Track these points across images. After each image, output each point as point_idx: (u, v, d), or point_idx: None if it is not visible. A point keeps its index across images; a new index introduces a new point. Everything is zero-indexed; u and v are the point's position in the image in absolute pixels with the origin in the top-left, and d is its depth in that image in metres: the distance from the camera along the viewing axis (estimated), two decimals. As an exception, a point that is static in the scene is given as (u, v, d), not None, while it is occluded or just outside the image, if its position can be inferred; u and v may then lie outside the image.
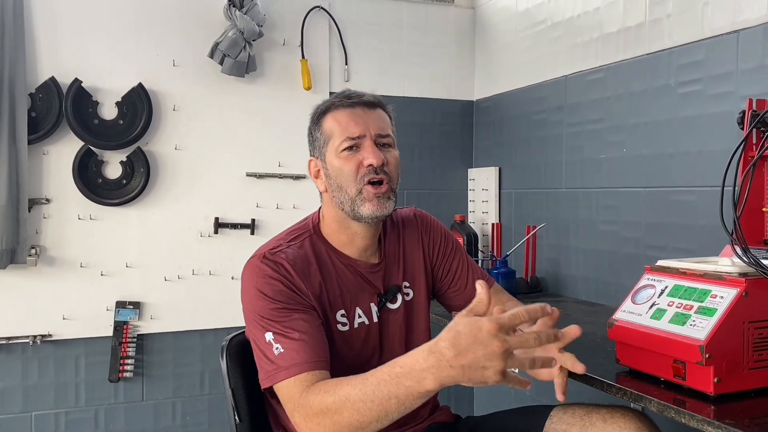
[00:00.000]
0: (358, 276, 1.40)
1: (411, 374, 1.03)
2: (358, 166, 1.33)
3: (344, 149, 1.34)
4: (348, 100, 1.37)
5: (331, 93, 2.66)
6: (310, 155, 1.44)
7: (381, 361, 1.40)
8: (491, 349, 0.98)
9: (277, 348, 1.22)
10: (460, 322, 1.02)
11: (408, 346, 1.45)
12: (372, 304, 1.41)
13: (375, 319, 1.41)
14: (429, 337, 1.50)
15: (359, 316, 1.39)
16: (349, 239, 1.40)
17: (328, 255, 1.39)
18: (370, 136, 1.35)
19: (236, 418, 1.41)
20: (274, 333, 1.23)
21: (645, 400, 1.15)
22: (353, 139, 1.34)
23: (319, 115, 1.40)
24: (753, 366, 1.13)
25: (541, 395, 2.55)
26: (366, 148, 1.34)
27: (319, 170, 1.41)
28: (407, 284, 1.48)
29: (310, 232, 1.41)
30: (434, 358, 1.01)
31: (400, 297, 1.45)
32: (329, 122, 1.37)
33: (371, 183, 1.33)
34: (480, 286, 1.07)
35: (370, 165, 1.33)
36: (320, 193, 1.43)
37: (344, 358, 1.35)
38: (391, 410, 1.07)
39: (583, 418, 1.33)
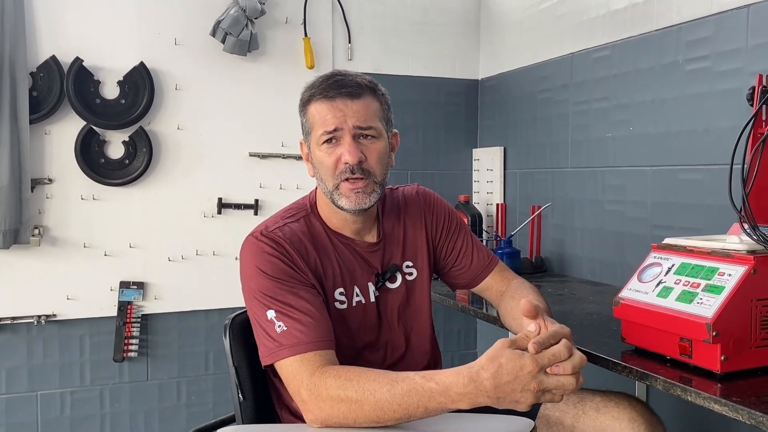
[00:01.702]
0: (355, 255, 1.39)
1: (446, 393, 1.06)
2: (336, 161, 1.31)
3: (324, 142, 1.31)
4: (328, 91, 1.30)
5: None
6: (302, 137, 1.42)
7: (379, 340, 1.40)
8: (528, 388, 1.02)
9: (279, 326, 1.21)
10: (503, 354, 1.04)
11: (408, 326, 1.45)
12: (369, 284, 1.40)
13: (372, 299, 1.40)
14: (431, 317, 1.50)
15: (357, 295, 1.38)
16: (341, 222, 1.39)
17: (325, 233, 1.38)
18: (348, 129, 1.30)
19: (240, 396, 1.41)
20: (276, 311, 1.23)
21: (650, 379, 1.15)
22: (330, 132, 1.30)
23: (304, 102, 1.36)
24: (760, 344, 1.12)
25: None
26: (344, 144, 1.30)
27: (308, 153, 1.39)
28: (410, 264, 1.47)
29: (307, 210, 1.40)
30: (473, 386, 1.04)
31: (400, 276, 1.44)
32: (311, 111, 1.33)
33: (347, 179, 1.31)
34: (533, 326, 1.10)
35: (346, 162, 1.30)
36: None
37: (342, 335, 1.34)
38: (416, 416, 1.10)
39: (577, 406, 1.32)
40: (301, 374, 1.17)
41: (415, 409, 1.09)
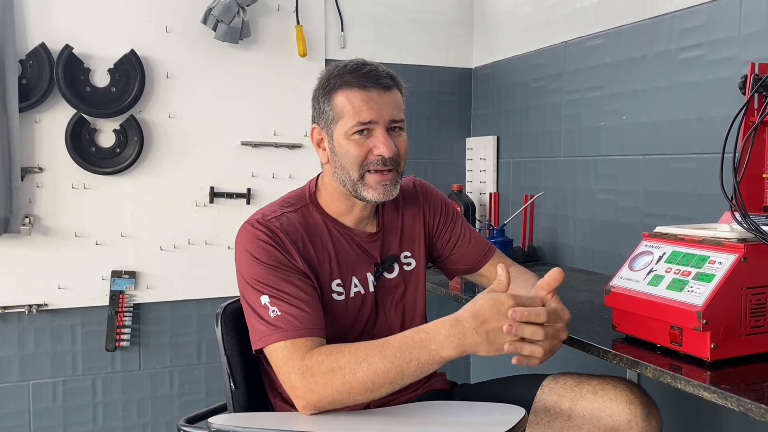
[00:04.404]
0: (354, 245, 1.40)
1: (435, 340, 1.12)
2: (367, 153, 1.31)
3: (355, 132, 1.31)
4: (364, 81, 1.30)
5: (327, 60, 2.62)
6: (314, 122, 1.39)
7: (376, 330, 1.41)
8: (504, 322, 1.09)
9: (273, 311, 1.22)
10: (481, 297, 1.12)
11: (403, 314, 1.45)
12: (369, 274, 1.41)
13: (371, 289, 1.40)
14: (425, 306, 1.52)
15: (355, 286, 1.39)
16: (347, 209, 1.39)
17: (324, 224, 1.38)
18: (383, 123, 1.31)
19: (231, 385, 1.41)
20: (270, 296, 1.23)
21: (641, 366, 1.15)
22: (364, 124, 1.30)
23: (329, 89, 1.33)
24: (750, 332, 1.13)
25: (537, 364, 2.56)
26: (378, 137, 1.31)
27: (322, 139, 1.38)
28: (408, 254, 1.48)
29: (305, 201, 1.40)
30: (460, 327, 1.11)
31: (397, 266, 1.45)
32: (341, 100, 1.31)
33: (377, 171, 1.32)
34: (501, 269, 1.16)
35: (380, 155, 1.30)
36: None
37: (339, 326, 1.35)
38: (408, 373, 1.14)
39: (574, 390, 1.33)
40: (293, 359, 1.18)
41: (408, 363, 1.13)
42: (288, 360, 1.19)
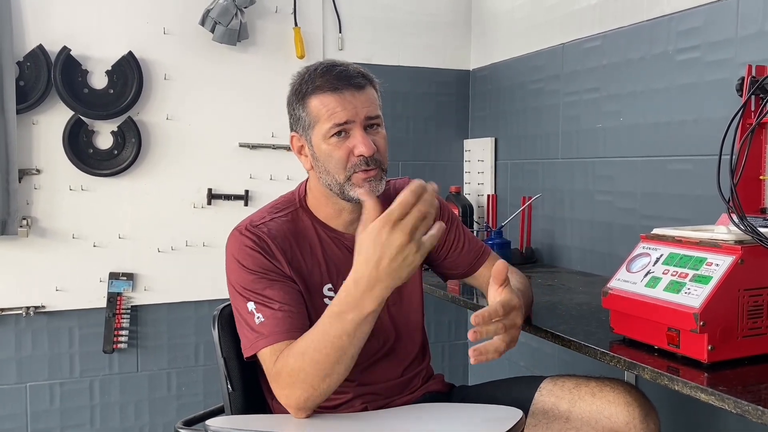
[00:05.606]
0: (344, 249, 1.39)
1: (349, 307, 1.12)
2: (348, 154, 1.30)
3: (332, 135, 1.30)
4: (336, 83, 1.29)
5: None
6: (292, 129, 1.39)
7: (371, 334, 1.40)
8: (397, 244, 1.07)
9: (258, 317, 1.23)
10: (361, 241, 1.10)
11: (397, 317, 1.45)
12: None
13: None
14: (421, 308, 1.51)
15: None
16: (336, 213, 1.39)
17: (314, 228, 1.38)
18: (360, 122, 1.29)
19: (229, 387, 1.41)
20: (255, 303, 1.25)
21: (638, 368, 1.15)
22: (340, 125, 1.29)
23: (303, 95, 1.33)
24: (747, 334, 1.13)
25: (534, 365, 2.57)
26: (356, 137, 1.29)
27: (302, 146, 1.37)
28: None
29: (295, 206, 1.40)
30: (362, 283, 1.10)
31: None
32: (315, 104, 1.30)
33: (361, 170, 1.31)
34: (363, 196, 1.16)
35: (361, 155, 1.29)
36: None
37: None
38: (346, 346, 1.14)
39: (572, 392, 1.33)
40: (271, 366, 1.21)
41: (339, 339, 1.13)
42: (268, 367, 1.21)
